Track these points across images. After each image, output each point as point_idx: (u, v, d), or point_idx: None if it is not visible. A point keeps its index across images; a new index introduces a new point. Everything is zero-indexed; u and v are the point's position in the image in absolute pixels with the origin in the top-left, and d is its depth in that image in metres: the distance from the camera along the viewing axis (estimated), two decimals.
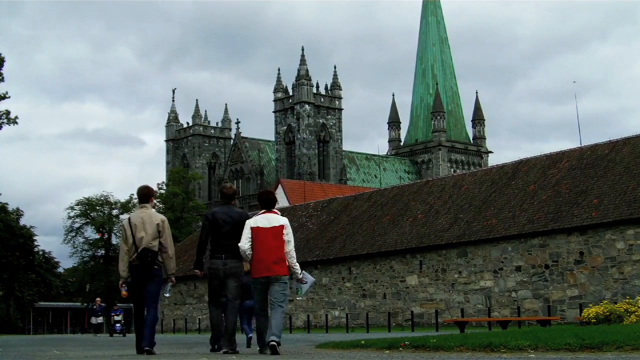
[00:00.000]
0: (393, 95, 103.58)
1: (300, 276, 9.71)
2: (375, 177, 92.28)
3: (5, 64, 37.50)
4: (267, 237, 9.42)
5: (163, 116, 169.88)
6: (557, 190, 29.14)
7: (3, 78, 37.54)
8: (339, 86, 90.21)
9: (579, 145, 32.56)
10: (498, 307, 28.92)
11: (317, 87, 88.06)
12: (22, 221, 61.70)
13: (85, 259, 71.44)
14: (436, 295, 31.30)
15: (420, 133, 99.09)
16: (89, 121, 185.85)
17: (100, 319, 38.96)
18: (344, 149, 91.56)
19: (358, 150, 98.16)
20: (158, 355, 9.56)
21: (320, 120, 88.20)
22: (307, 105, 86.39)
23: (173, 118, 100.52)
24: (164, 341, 17.96)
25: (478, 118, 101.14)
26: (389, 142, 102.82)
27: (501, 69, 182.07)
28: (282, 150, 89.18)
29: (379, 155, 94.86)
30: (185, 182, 78.62)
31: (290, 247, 9.47)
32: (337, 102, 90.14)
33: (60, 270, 72.30)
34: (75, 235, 70.45)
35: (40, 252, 65.51)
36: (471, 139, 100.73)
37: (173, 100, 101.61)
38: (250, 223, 9.59)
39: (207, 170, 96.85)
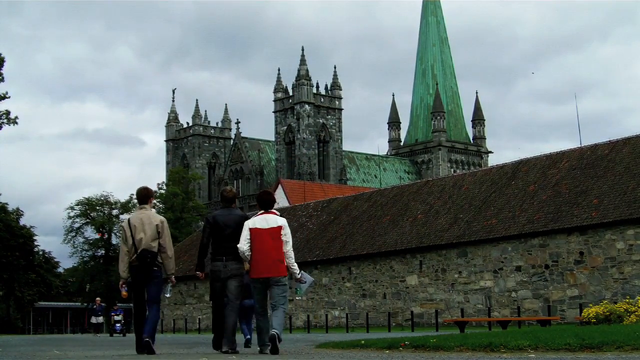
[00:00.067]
0: (393, 95, 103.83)
1: (299, 276, 9.73)
2: (375, 177, 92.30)
3: (5, 64, 37.52)
4: (266, 238, 9.44)
5: (163, 116, 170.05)
6: (557, 190, 29.14)
7: (3, 78, 37.55)
8: (339, 86, 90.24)
9: (579, 145, 32.55)
10: (498, 307, 28.92)
11: (317, 87, 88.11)
12: (22, 221, 61.79)
13: (85, 259, 71.47)
14: (436, 295, 31.30)
15: (420, 133, 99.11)
16: (89, 121, 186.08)
17: (100, 319, 38.97)
18: (344, 149, 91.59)
19: (358, 150, 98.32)
20: (158, 355, 9.56)
21: (320, 120, 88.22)
22: (307, 105, 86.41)
23: (173, 118, 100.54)
24: (164, 341, 17.96)
25: (478, 118, 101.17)
26: (389, 142, 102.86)
27: (501, 69, 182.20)
28: (282, 150, 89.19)
29: (379, 155, 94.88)
30: (185, 182, 78.61)
31: (288, 248, 9.50)
32: (337, 102, 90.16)
33: (60, 270, 72.36)
34: (75, 235, 70.52)
35: (40, 252, 65.53)
36: (471, 139, 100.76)
37: (173, 100, 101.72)
38: (248, 224, 9.62)
39: (207, 170, 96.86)
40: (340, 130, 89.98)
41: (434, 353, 9.20)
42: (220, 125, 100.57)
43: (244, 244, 9.50)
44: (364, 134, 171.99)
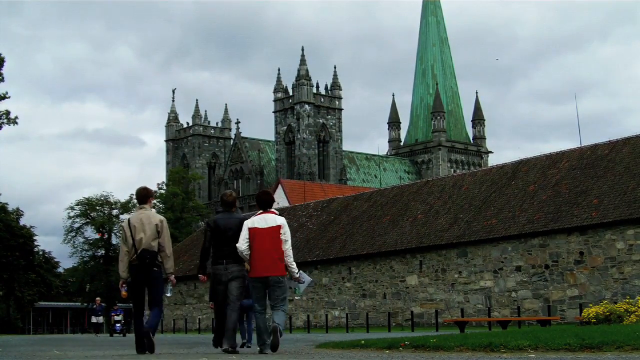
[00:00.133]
0: (393, 95, 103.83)
1: (298, 275, 9.75)
2: (375, 177, 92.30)
3: (5, 64, 37.54)
4: (265, 237, 9.47)
5: (163, 116, 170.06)
6: (557, 190, 29.14)
7: (3, 78, 37.56)
8: (339, 86, 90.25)
9: (579, 145, 32.54)
10: (498, 307, 28.92)
11: (317, 87, 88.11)
12: (22, 221, 61.83)
13: (85, 259, 71.52)
14: (436, 295, 31.30)
15: (420, 133, 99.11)
16: (89, 121, 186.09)
17: (100, 319, 38.97)
18: (344, 149, 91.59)
19: (358, 150, 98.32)
20: (158, 355, 9.57)
21: (320, 120, 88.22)
22: (307, 105, 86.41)
23: (173, 118, 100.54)
24: (164, 341, 17.96)
25: (478, 118, 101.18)
26: (389, 142, 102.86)
27: (501, 69, 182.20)
28: (282, 150, 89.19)
29: (379, 155, 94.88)
30: (185, 182, 78.64)
31: (287, 246, 9.53)
32: (337, 102, 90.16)
33: (60, 270, 72.41)
34: (75, 235, 70.60)
35: (40, 252, 65.56)
36: (471, 139, 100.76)
37: (173, 100, 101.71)
38: (247, 224, 9.66)
39: (207, 170, 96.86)
40: (340, 130, 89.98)
41: (434, 353, 9.20)
42: (220, 125, 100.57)
43: (242, 244, 9.54)
44: (364, 134, 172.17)
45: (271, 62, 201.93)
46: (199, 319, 40.96)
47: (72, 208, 70.67)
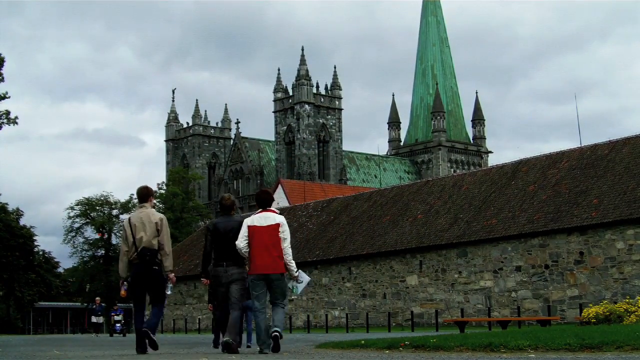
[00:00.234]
0: (393, 95, 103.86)
1: (296, 274, 9.76)
2: (375, 177, 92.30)
3: (5, 64, 37.43)
4: (264, 236, 9.50)
5: (163, 116, 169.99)
6: (557, 190, 29.13)
7: (3, 78, 37.50)
8: (339, 86, 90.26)
9: (579, 145, 32.53)
10: (498, 307, 28.92)
11: (317, 87, 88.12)
12: (22, 221, 61.84)
13: (85, 259, 71.51)
14: (436, 295, 31.30)
15: (420, 133, 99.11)
16: (89, 121, 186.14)
17: (100, 319, 38.97)
18: (344, 149, 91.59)
19: (358, 150, 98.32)
20: (158, 355, 9.57)
21: (320, 120, 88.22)
22: (307, 105, 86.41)
23: (173, 118, 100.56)
24: (164, 341, 17.95)
25: (478, 118, 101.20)
26: (389, 142, 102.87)
27: (501, 69, 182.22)
28: (282, 150, 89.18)
29: (379, 155, 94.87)
30: (185, 182, 78.63)
31: (286, 245, 9.56)
32: (337, 102, 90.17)
33: (60, 270, 72.44)
34: (75, 235, 70.60)
35: (40, 252, 65.58)
36: (471, 139, 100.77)
37: (173, 100, 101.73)
38: (247, 222, 9.70)
39: (207, 170, 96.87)
40: (340, 130, 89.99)
41: (434, 353, 9.20)
42: (220, 125, 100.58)
43: (241, 241, 9.57)
44: (364, 134, 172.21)
45: (271, 62, 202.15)
46: (199, 319, 40.96)
47: (72, 208, 70.74)
